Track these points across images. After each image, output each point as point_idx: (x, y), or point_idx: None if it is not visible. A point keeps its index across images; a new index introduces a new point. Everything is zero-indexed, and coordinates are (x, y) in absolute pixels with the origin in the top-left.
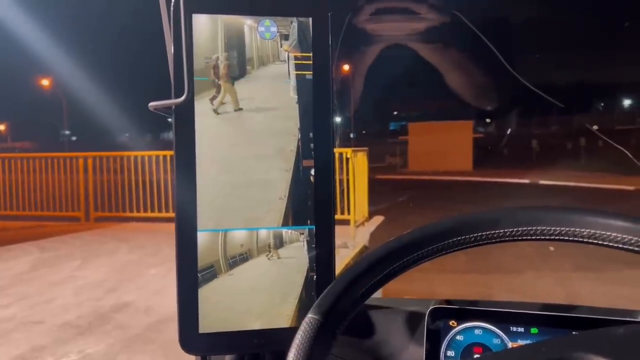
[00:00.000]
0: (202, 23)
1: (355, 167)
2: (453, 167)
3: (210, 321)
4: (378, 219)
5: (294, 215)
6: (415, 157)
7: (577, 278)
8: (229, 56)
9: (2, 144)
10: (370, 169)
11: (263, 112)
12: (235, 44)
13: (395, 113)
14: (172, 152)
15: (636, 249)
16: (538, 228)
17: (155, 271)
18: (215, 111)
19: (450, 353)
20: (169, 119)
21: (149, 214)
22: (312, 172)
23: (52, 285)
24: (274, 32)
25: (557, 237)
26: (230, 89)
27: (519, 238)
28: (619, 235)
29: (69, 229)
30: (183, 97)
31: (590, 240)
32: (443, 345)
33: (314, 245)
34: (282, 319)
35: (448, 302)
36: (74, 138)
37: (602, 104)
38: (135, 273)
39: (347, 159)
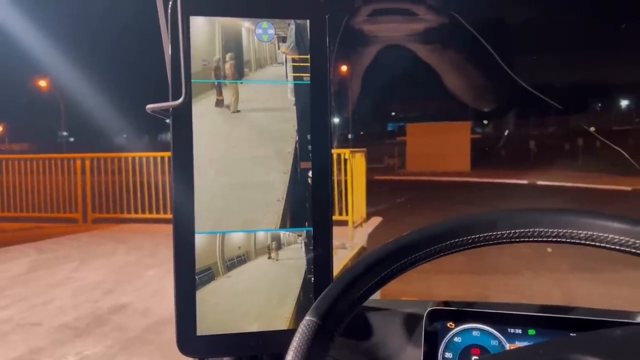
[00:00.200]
0: (199, 25)
1: (353, 168)
2: (451, 168)
3: (208, 323)
4: (376, 220)
5: (292, 217)
6: (413, 158)
7: (574, 279)
8: (227, 58)
9: (0, 146)
10: (368, 170)
11: (261, 115)
12: (232, 46)
13: (393, 114)
14: (169, 154)
15: (633, 250)
16: (535, 230)
17: (153, 272)
18: (213, 113)
19: (448, 355)
20: (167, 121)
21: (147, 216)
22: (310, 174)
23: (50, 286)
24: (271, 34)
25: (554, 239)
26: (227, 91)
27: (516, 240)
28: (615, 236)
29: (66, 230)
30: (180, 100)
31: (587, 242)
32: (441, 346)
33: (311, 247)
34: (280, 321)
35: (446, 303)
36: (71, 139)
37: (600, 105)
38: (133, 274)
39: (345, 160)
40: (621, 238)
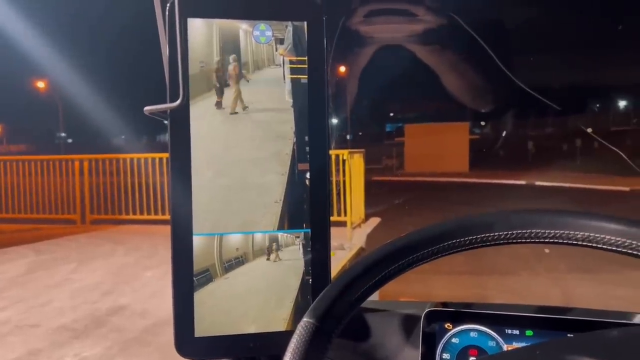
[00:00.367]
0: (197, 27)
1: (351, 168)
2: (449, 169)
3: (206, 325)
4: (375, 221)
5: (290, 219)
6: (412, 159)
7: (572, 279)
8: (225, 60)
9: None
10: (366, 171)
11: (258, 116)
12: (230, 48)
13: (391, 115)
14: (168, 155)
15: (629, 251)
16: (532, 231)
17: (151, 274)
18: (211, 115)
19: (446, 356)
20: (165, 122)
21: (145, 217)
22: (308, 175)
23: (48, 288)
24: (269, 36)
25: (551, 240)
26: (225, 93)
27: (514, 241)
28: (612, 237)
29: (64, 231)
30: (178, 102)
31: (584, 243)
32: (439, 347)
33: (309, 249)
34: (278, 323)
35: (444, 304)
36: (70, 140)
37: (598, 106)
38: (131, 276)
39: (344, 161)
40: (618, 239)
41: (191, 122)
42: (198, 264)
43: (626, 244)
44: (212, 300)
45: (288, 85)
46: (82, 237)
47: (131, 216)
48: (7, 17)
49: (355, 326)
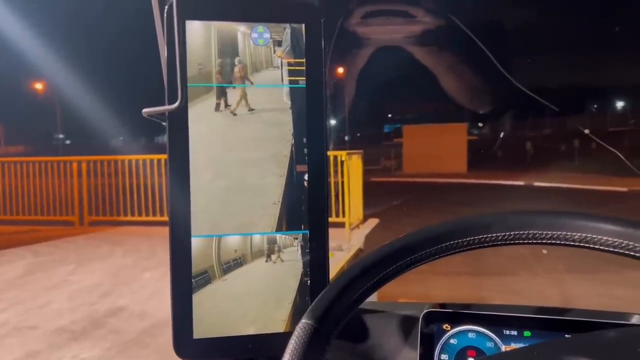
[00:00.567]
0: (195, 30)
1: (350, 169)
2: (447, 170)
3: (204, 326)
4: (373, 222)
5: (288, 220)
6: (410, 160)
7: (571, 279)
8: (223, 62)
9: None
10: (365, 172)
11: (257, 118)
12: (228, 50)
13: (390, 116)
14: (166, 156)
15: (626, 252)
16: (530, 232)
17: (149, 275)
18: (209, 117)
19: (444, 357)
20: (164, 123)
21: (144, 218)
22: (306, 177)
23: (46, 289)
24: (267, 38)
25: (549, 241)
26: (223, 95)
27: (511, 242)
28: (609, 239)
29: (62, 233)
30: (177, 104)
31: (581, 244)
32: (437, 348)
33: (307, 250)
34: (277, 324)
35: (442, 305)
36: (68, 142)
37: (596, 106)
38: (129, 277)
39: (342, 162)
40: (615, 240)
41: (189, 124)
42: (196, 265)
43: (623, 244)
44: (211, 302)
45: (286, 87)
46: (80, 238)
47: (129, 218)
48: (4, 17)
49: (353, 327)
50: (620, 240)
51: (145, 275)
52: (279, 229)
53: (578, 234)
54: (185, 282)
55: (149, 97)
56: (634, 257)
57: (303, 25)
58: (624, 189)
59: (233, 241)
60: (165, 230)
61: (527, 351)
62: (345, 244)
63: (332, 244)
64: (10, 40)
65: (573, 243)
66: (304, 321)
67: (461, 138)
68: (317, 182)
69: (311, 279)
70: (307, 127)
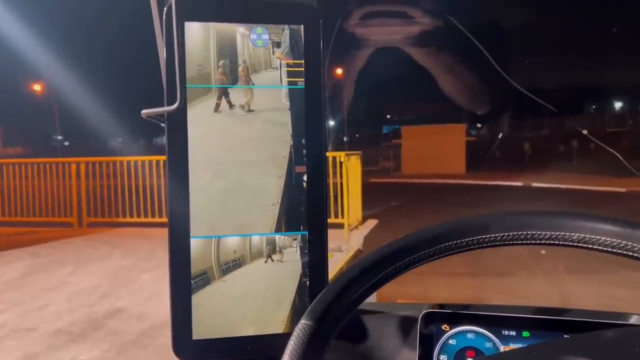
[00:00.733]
0: (194, 31)
1: (348, 170)
2: (446, 170)
3: (203, 327)
4: (372, 223)
5: (287, 221)
6: (409, 161)
7: (570, 279)
8: (222, 64)
9: None
10: (363, 173)
11: (255, 119)
12: (227, 51)
13: (388, 117)
14: (165, 157)
15: (624, 252)
16: (528, 232)
17: (148, 276)
18: (208, 118)
19: (443, 357)
20: (163, 125)
21: (142, 219)
22: (305, 178)
23: (45, 291)
24: (266, 39)
25: (547, 242)
26: (222, 96)
27: (510, 243)
28: (607, 239)
29: (61, 234)
30: (175, 105)
31: (579, 245)
32: (436, 349)
33: (306, 251)
34: (276, 325)
35: (441, 306)
36: (66, 143)
37: (594, 107)
38: (128, 278)
39: (341, 163)
40: (613, 240)
41: (188, 125)
42: (195, 266)
43: (621, 245)
44: (210, 303)
45: (285, 89)
46: (79, 240)
47: (128, 219)
48: (3, 17)
49: (352, 328)
50: (618, 241)
51: (144, 277)
52: (278, 229)
53: (576, 235)
54: (184, 283)
55: (148, 98)
56: (632, 257)
57: (302, 26)
58: (623, 190)
59: (232, 242)
60: (164, 231)
61: (525, 351)
62: (344, 245)
63: (331, 244)
64: (8, 40)
65: (571, 243)
66: (303, 322)
67: (460, 139)
68: (316, 183)
69: (310, 279)
70: (306, 128)
